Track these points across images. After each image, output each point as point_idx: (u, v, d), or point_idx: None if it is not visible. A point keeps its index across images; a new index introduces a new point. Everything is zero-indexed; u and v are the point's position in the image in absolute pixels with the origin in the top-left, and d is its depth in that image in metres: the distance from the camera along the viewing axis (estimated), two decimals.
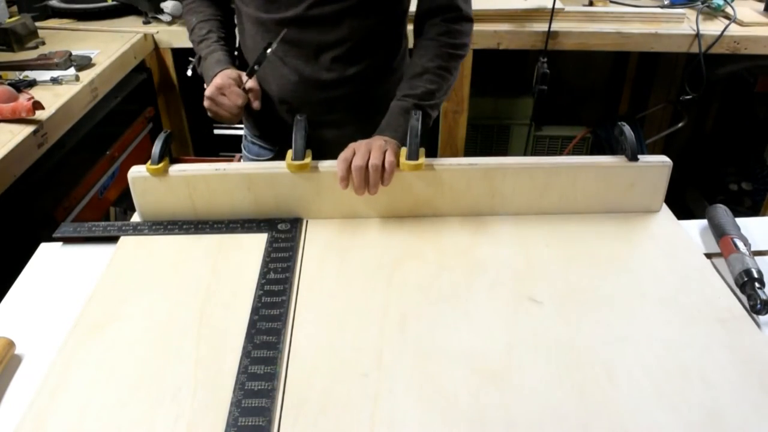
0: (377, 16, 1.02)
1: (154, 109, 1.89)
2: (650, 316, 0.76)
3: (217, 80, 0.99)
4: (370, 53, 1.04)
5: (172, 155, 0.96)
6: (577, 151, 2.25)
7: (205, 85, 1.02)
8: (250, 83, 1.00)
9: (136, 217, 0.97)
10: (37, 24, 1.74)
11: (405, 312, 0.77)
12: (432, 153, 1.40)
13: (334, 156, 0.90)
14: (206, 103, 1.00)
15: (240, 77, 1.00)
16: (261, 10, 1.01)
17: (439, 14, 1.00)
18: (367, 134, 0.95)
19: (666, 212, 0.96)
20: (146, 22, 1.86)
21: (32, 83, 1.39)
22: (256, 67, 0.98)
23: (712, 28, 1.75)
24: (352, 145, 0.89)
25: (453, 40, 1.00)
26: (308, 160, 0.91)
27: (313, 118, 0.98)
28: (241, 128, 1.88)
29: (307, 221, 0.95)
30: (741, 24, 1.76)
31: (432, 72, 0.99)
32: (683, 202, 2.38)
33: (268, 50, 0.96)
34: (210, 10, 1.10)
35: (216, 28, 1.08)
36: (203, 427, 0.63)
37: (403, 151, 0.91)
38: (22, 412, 0.65)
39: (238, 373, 0.68)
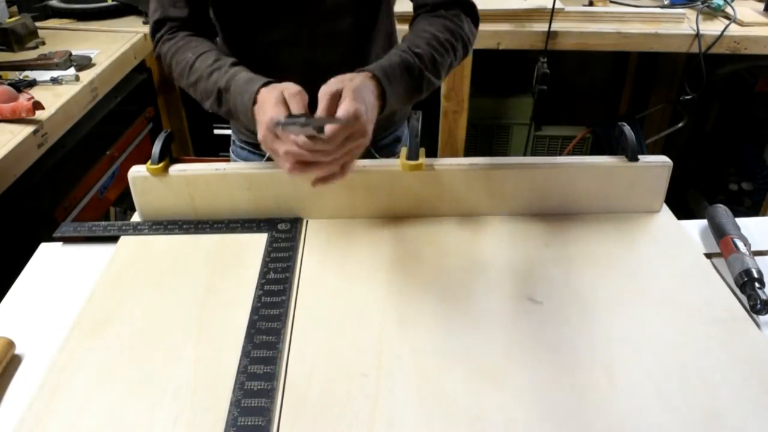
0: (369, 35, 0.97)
1: (154, 109, 1.89)
2: (650, 316, 0.76)
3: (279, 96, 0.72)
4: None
5: (172, 155, 0.95)
6: (577, 151, 2.26)
7: (257, 125, 0.75)
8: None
9: (136, 217, 0.97)
10: (37, 24, 1.74)
11: (405, 312, 0.77)
12: (432, 153, 1.40)
13: None
14: (288, 151, 0.70)
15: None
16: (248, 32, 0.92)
17: (449, 8, 0.90)
18: None
19: (666, 212, 0.96)
20: (146, 22, 1.86)
21: (32, 83, 1.39)
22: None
23: (712, 28, 1.75)
24: (332, 92, 0.69)
25: (465, 27, 0.89)
26: None
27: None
28: None
29: (307, 221, 0.95)
30: (741, 24, 1.76)
31: (439, 42, 0.84)
32: (683, 202, 2.38)
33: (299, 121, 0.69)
34: (206, 44, 0.89)
35: (224, 55, 0.86)
36: (203, 427, 0.63)
37: (404, 150, 0.91)
38: (22, 412, 0.65)
39: (238, 372, 0.68)
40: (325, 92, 0.69)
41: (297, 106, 0.71)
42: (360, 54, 0.98)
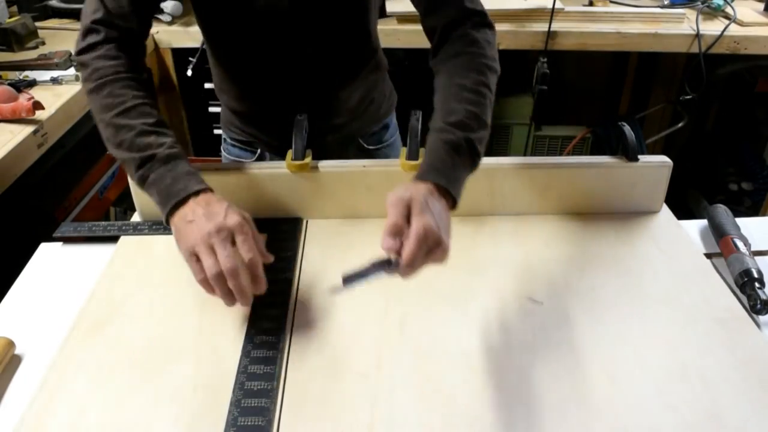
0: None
1: None
2: (650, 316, 0.76)
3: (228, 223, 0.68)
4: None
5: None
6: (577, 151, 2.25)
7: (178, 232, 0.70)
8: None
9: (136, 217, 0.97)
10: (37, 24, 1.74)
11: (405, 312, 0.77)
12: None
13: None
14: (216, 276, 0.67)
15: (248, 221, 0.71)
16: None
17: (459, 25, 0.83)
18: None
19: (666, 212, 0.96)
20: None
21: (32, 83, 1.39)
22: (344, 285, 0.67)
23: (712, 28, 1.75)
24: (403, 199, 0.66)
25: (484, 50, 0.82)
26: (308, 160, 0.91)
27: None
28: None
29: (307, 221, 0.95)
30: (741, 24, 1.76)
31: (470, 90, 0.77)
32: (683, 202, 2.37)
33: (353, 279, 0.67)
34: (146, 93, 0.80)
35: (167, 126, 0.79)
36: (203, 426, 0.63)
37: (404, 151, 0.91)
38: (22, 412, 0.64)
39: (238, 372, 0.68)
40: (396, 200, 0.67)
41: (246, 245, 0.68)
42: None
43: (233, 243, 0.68)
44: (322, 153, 0.95)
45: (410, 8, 0.93)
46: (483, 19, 0.84)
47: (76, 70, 0.83)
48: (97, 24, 0.81)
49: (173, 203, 0.72)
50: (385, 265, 0.65)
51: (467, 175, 0.74)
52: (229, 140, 1.13)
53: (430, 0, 0.85)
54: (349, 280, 0.65)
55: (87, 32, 0.82)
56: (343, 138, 1.09)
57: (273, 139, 1.07)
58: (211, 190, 0.74)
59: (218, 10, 0.91)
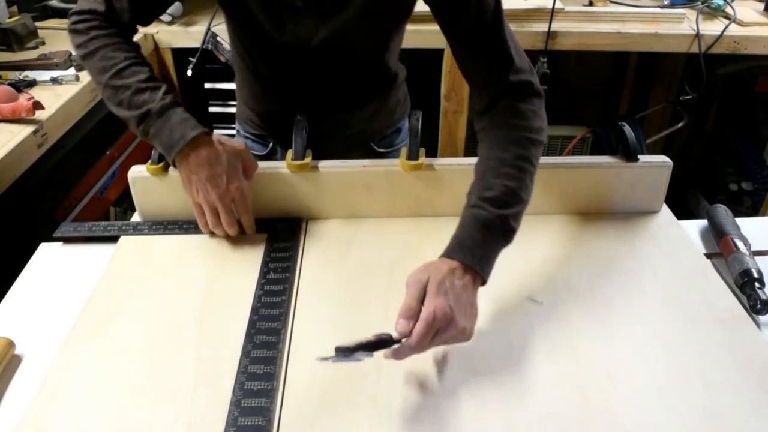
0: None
1: None
2: (650, 316, 0.76)
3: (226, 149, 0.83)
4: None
5: None
6: (577, 151, 2.25)
7: (184, 172, 0.84)
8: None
9: (136, 217, 0.97)
10: (37, 24, 1.74)
11: None
12: (432, 153, 1.40)
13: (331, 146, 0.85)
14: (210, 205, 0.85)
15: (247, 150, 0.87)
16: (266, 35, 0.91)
17: (505, 96, 0.80)
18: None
19: (666, 212, 0.96)
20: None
21: (32, 83, 1.39)
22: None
23: (712, 28, 1.75)
24: (419, 281, 0.66)
25: (529, 122, 0.79)
26: (308, 160, 0.91)
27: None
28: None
29: (307, 221, 0.95)
30: (741, 24, 1.76)
31: (510, 165, 0.75)
32: (683, 202, 2.37)
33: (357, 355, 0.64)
34: (137, 52, 0.89)
35: (154, 75, 0.87)
36: (203, 426, 0.63)
37: (404, 151, 0.91)
38: (22, 412, 0.64)
39: (238, 372, 0.68)
40: (413, 281, 0.67)
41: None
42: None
43: (233, 200, 0.85)
44: (332, 154, 0.96)
45: (426, 8, 0.92)
46: (530, 89, 0.81)
47: (71, 38, 0.87)
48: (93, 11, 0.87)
49: (175, 153, 0.83)
50: (387, 344, 0.63)
51: (499, 251, 0.73)
52: (242, 132, 1.16)
53: (477, 72, 0.84)
54: (343, 352, 0.62)
55: (83, 12, 0.87)
56: (354, 141, 1.09)
57: (287, 136, 1.09)
58: (207, 133, 0.84)
59: (249, 33, 0.93)
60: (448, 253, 0.71)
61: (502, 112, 0.80)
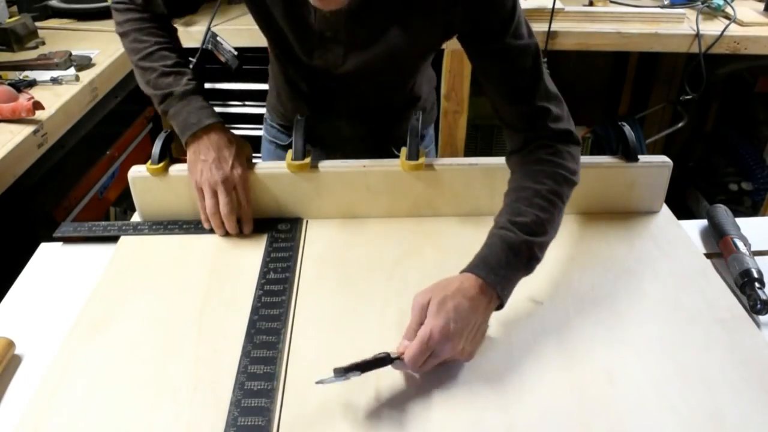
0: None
1: (154, 109, 1.88)
2: (650, 316, 0.76)
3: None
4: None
5: (172, 155, 0.95)
6: None
7: (190, 159, 0.88)
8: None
9: (136, 217, 0.97)
10: (37, 24, 1.74)
11: (405, 312, 0.76)
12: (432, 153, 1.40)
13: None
14: (212, 201, 0.87)
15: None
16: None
17: (542, 138, 0.80)
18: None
19: (666, 212, 0.96)
20: None
21: (32, 83, 1.39)
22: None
23: (712, 28, 1.75)
24: (422, 303, 0.67)
25: (566, 162, 0.78)
26: (308, 160, 0.91)
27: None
28: (243, 128, 1.87)
29: (307, 221, 0.95)
30: (741, 24, 1.76)
31: (542, 196, 0.74)
32: (683, 202, 2.37)
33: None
34: (168, 38, 0.93)
35: (183, 61, 0.92)
36: (203, 426, 0.63)
37: (404, 151, 0.91)
38: (22, 412, 0.65)
39: (238, 372, 0.68)
40: (416, 304, 0.67)
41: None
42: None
43: (234, 188, 0.87)
44: (348, 155, 0.96)
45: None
46: (568, 137, 0.80)
47: (113, 14, 0.94)
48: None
49: (189, 135, 0.87)
50: (384, 361, 0.64)
51: (519, 278, 0.72)
52: (269, 120, 1.18)
53: (514, 117, 0.81)
54: (341, 373, 0.62)
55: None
56: (377, 145, 1.09)
57: (312, 135, 1.11)
58: (222, 123, 0.89)
59: (280, 47, 0.93)
60: (471, 269, 0.69)
61: (537, 150, 0.79)
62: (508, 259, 0.70)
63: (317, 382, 0.62)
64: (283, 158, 0.95)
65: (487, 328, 0.70)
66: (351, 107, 1.01)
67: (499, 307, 0.70)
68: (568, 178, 0.77)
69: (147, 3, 0.90)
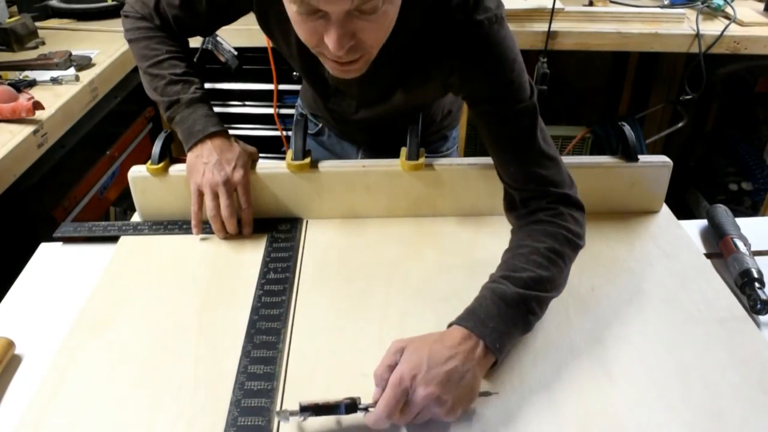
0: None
1: (154, 109, 1.88)
2: (650, 316, 0.76)
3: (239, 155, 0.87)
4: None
5: (172, 155, 0.96)
6: (577, 151, 2.25)
7: (186, 149, 0.88)
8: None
9: (136, 217, 0.97)
10: (37, 24, 1.74)
11: (405, 312, 0.77)
12: None
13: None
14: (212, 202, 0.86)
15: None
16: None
17: (543, 200, 0.77)
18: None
19: (666, 212, 0.96)
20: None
21: (32, 83, 1.39)
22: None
23: (712, 28, 1.75)
24: (398, 347, 0.63)
25: (568, 224, 0.74)
26: (308, 160, 0.91)
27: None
28: (243, 128, 1.87)
29: (307, 221, 0.95)
30: (741, 24, 1.76)
31: (542, 254, 0.71)
32: (683, 202, 2.37)
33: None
34: (178, 47, 0.93)
35: (191, 70, 0.92)
36: (203, 426, 0.63)
37: (403, 151, 0.91)
38: (22, 412, 0.65)
39: (238, 372, 0.68)
40: (391, 347, 0.64)
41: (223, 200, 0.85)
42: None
43: (235, 190, 0.87)
44: (373, 156, 0.98)
45: None
46: (571, 200, 0.77)
47: (122, 21, 0.94)
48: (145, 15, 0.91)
49: (193, 142, 0.87)
50: (352, 408, 0.61)
51: (516, 333, 0.68)
52: (300, 108, 1.20)
53: (509, 174, 0.79)
54: (308, 410, 0.60)
55: (136, 11, 0.92)
56: (397, 147, 1.08)
57: (340, 134, 1.15)
58: (226, 132, 0.89)
59: (301, 71, 0.93)
60: (457, 321, 0.66)
61: (538, 211, 0.76)
62: (499, 311, 0.66)
63: (277, 412, 0.61)
64: (311, 146, 0.96)
65: (476, 384, 0.63)
66: (367, 129, 1.05)
67: (494, 362, 0.66)
68: (571, 240, 0.73)
69: (162, 23, 0.90)
